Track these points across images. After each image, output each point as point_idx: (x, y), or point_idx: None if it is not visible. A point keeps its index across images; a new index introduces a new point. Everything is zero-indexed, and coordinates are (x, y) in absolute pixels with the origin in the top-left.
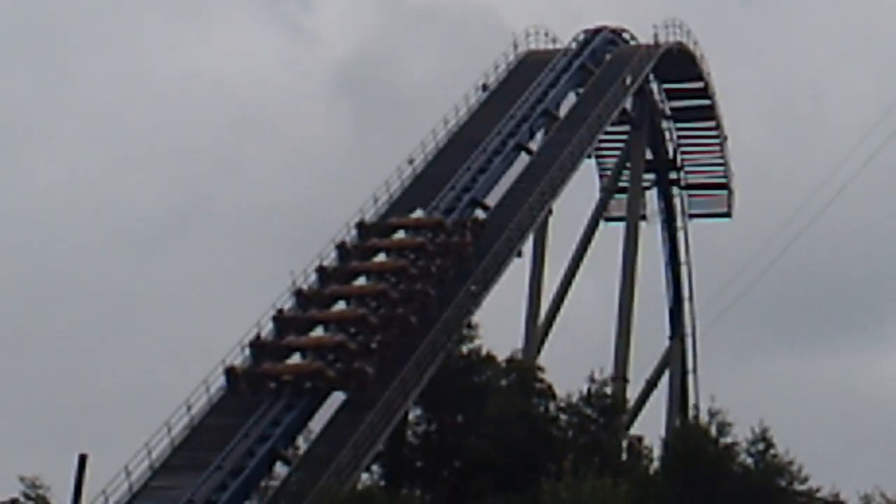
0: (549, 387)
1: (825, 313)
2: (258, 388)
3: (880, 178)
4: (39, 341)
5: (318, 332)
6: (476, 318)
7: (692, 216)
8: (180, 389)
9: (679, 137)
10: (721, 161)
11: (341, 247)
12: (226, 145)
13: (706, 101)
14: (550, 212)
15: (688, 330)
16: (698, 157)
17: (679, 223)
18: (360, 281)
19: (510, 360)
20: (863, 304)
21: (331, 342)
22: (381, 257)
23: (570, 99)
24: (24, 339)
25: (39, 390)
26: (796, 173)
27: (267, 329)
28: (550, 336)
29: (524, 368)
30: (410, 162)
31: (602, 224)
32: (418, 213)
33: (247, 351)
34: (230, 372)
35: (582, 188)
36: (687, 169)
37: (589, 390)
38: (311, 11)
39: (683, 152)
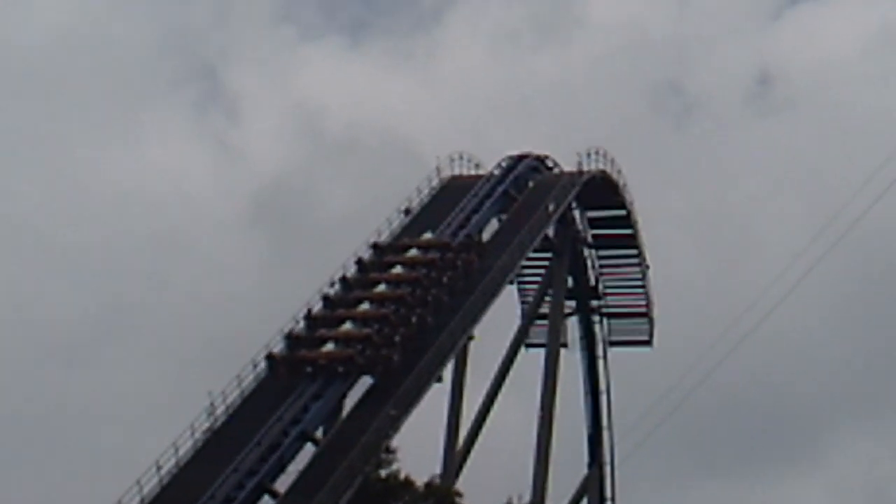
0: None
1: (744, 443)
2: (296, 373)
3: (801, 307)
4: None
5: (347, 326)
6: (394, 442)
7: (613, 344)
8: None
9: (601, 265)
10: (642, 289)
11: (360, 262)
12: (149, 261)
13: (628, 230)
14: (471, 337)
15: (606, 458)
16: (620, 286)
17: (599, 351)
18: (380, 288)
19: (428, 485)
20: (782, 434)
21: (359, 335)
22: (397, 269)
23: (493, 224)
24: None
25: None
26: (719, 302)
27: (299, 326)
28: (469, 461)
29: (442, 494)
30: (332, 285)
31: (522, 350)
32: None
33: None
34: (270, 357)
35: (503, 314)
36: (608, 297)
37: None
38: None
39: (605, 280)
